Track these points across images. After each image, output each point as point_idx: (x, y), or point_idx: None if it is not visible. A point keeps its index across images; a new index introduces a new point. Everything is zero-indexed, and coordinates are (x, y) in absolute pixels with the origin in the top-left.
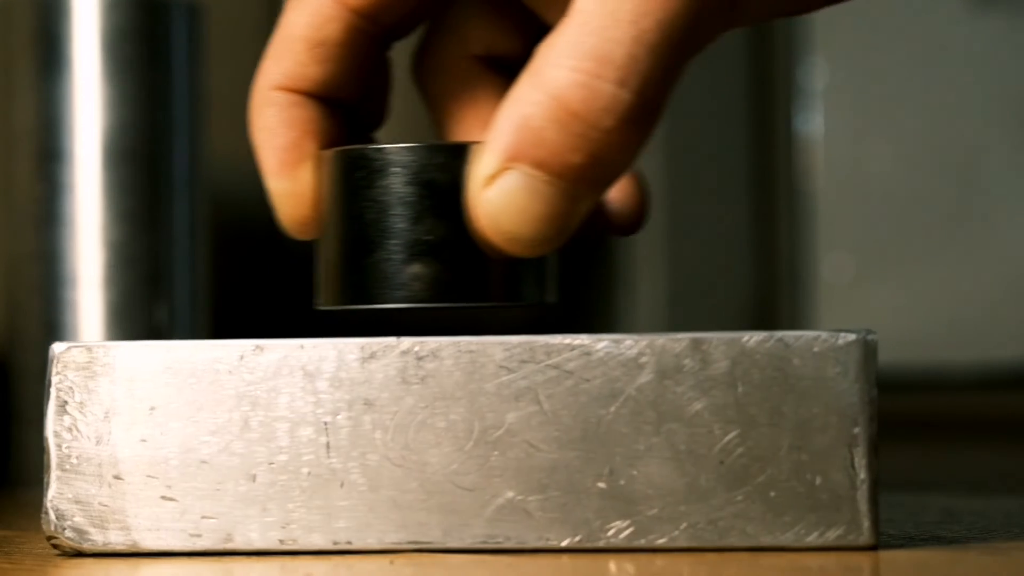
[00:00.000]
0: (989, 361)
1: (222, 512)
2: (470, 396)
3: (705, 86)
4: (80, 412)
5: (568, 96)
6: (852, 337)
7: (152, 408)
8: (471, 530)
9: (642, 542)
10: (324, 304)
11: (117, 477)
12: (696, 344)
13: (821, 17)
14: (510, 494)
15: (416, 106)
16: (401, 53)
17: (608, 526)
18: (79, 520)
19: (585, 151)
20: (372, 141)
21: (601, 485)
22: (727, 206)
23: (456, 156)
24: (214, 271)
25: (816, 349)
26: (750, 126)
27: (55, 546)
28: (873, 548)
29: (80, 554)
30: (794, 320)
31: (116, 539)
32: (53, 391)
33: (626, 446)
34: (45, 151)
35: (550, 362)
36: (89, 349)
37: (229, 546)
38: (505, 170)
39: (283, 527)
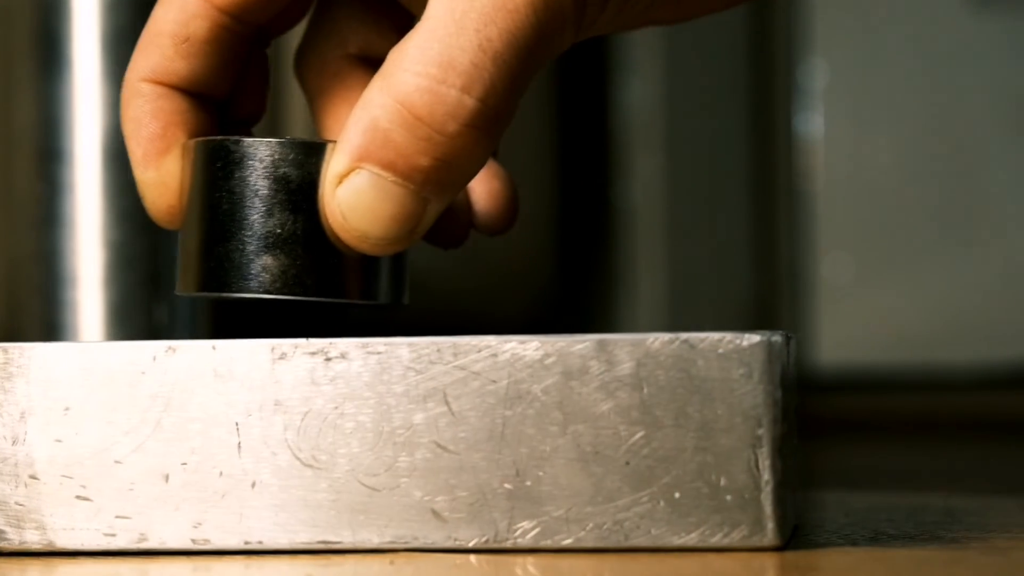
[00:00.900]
0: (989, 361)
1: (136, 512)
2: (378, 397)
3: (705, 86)
4: None
5: (413, 100)
6: (756, 339)
7: (67, 409)
8: (380, 530)
9: (548, 543)
10: (182, 290)
11: (33, 477)
12: (601, 345)
13: (821, 17)
14: (418, 494)
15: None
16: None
17: (515, 527)
18: None
19: (431, 155)
20: (248, 135)
21: (508, 486)
22: (727, 206)
23: (311, 153)
24: None
25: (720, 351)
26: (750, 126)
27: None
28: (778, 549)
29: None
30: (794, 320)
31: (32, 538)
32: None
33: (532, 447)
34: (45, 151)
35: (457, 363)
36: (5, 350)
37: (143, 546)
38: (355, 169)
39: (196, 527)
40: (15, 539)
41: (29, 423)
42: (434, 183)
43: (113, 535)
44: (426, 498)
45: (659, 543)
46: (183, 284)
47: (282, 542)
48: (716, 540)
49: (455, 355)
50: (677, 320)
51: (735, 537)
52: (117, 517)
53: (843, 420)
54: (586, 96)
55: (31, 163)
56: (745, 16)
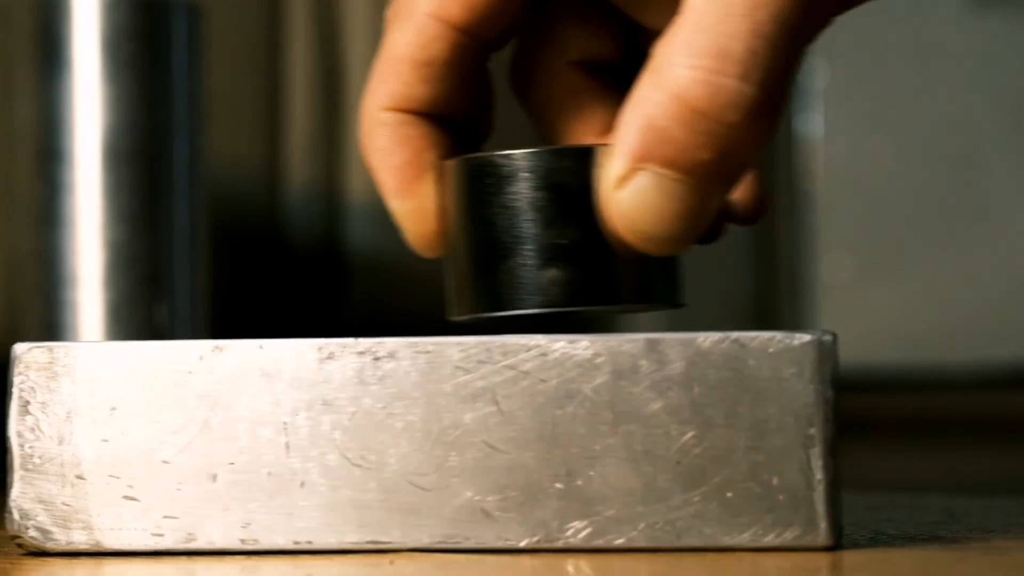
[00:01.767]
0: (989, 361)
1: (184, 512)
2: (427, 396)
3: None
4: (42, 412)
5: (691, 94)
6: (807, 338)
7: (113, 408)
8: (430, 530)
9: (600, 542)
10: (459, 315)
11: (80, 477)
12: (652, 345)
13: None
14: (468, 494)
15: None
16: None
17: (566, 526)
18: (43, 519)
19: (713, 148)
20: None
21: (559, 485)
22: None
23: (583, 159)
24: (214, 271)
25: (771, 350)
26: None
27: (19, 545)
28: (831, 548)
29: (44, 553)
30: (794, 320)
31: (79, 539)
32: (15, 391)
33: (583, 447)
34: (45, 151)
35: (507, 363)
36: (50, 349)
37: (191, 546)
38: (636, 171)
39: (244, 527)
40: (62, 539)
41: (75, 423)
42: (716, 176)
43: (161, 535)
44: (476, 498)
45: (711, 543)
46: (460, 308)
47: (331, 542)
48: (768, 540)
49: (504, 354)
50: (677, 320)
51: (787, 537)
52: (165, 517)
53: (843, 420)
54: None
55: (31, 163)
56: None
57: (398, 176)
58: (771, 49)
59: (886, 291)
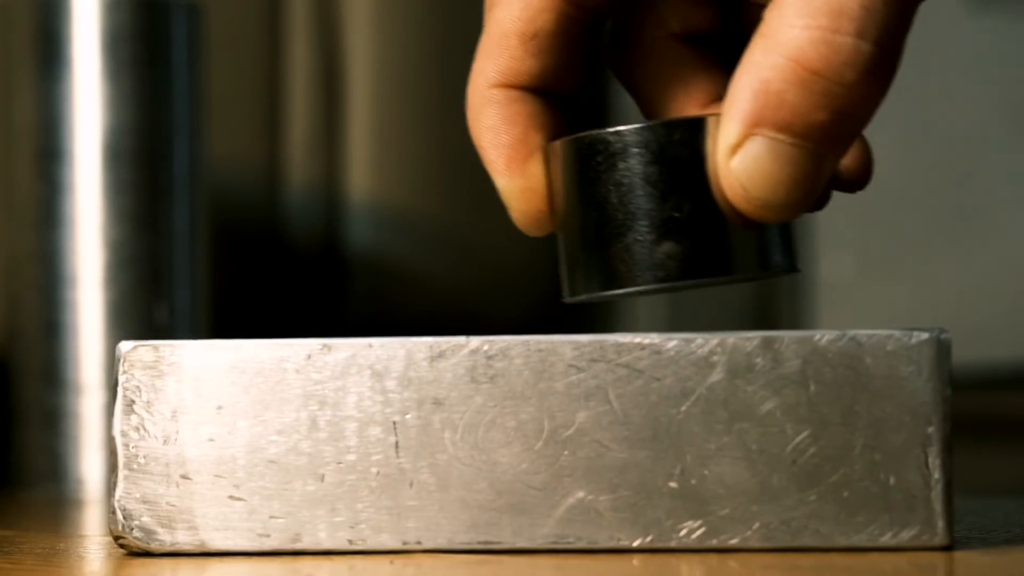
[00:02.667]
0: (989, 361)
1: (290, 512)
2: (540, 395)
3: None
4: (147, 411)
5: (807, 55)
6: (925, 336)
7: (219, 407)
8: (541, 530)
9: (714, 542)
10: (572, 295)
11: (185, 477)
12: (767, 343)
13: None
14: (580, 494)
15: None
16: None
17: (680, 526)
18: (147, 520)
19: (829, 108)
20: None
21: (672, 485)
22: None
23: (694, 130)
24: (214, 271)
25: (889, 348)
26: None
27: (122, 546)
28: (948, 548)
29: (148, 554)
30: (794, 320)
31: (184, 539)
32: (120, 390)
33: (697, 445)
34: (45, 151)
35: (620, 361)
36: (156, 348)
37: (297, 546)
38: (749, 137)
39: (352, 527)
40: (167, 540)
41: (181, 422)
42: (832, 138)
43: (267, 535)
44: (589, 497)
45: (826, 543)
46: (574, 288)
47: (441, 542)
48: (886, 540)
49: (618, 353)
50: (677, 320)
51: (904, 537)
52: (271, 517)
53: None
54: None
55: (31, 163)
56: None
57: (507, 155)
58: (886, 6)
59: (886, 291)
